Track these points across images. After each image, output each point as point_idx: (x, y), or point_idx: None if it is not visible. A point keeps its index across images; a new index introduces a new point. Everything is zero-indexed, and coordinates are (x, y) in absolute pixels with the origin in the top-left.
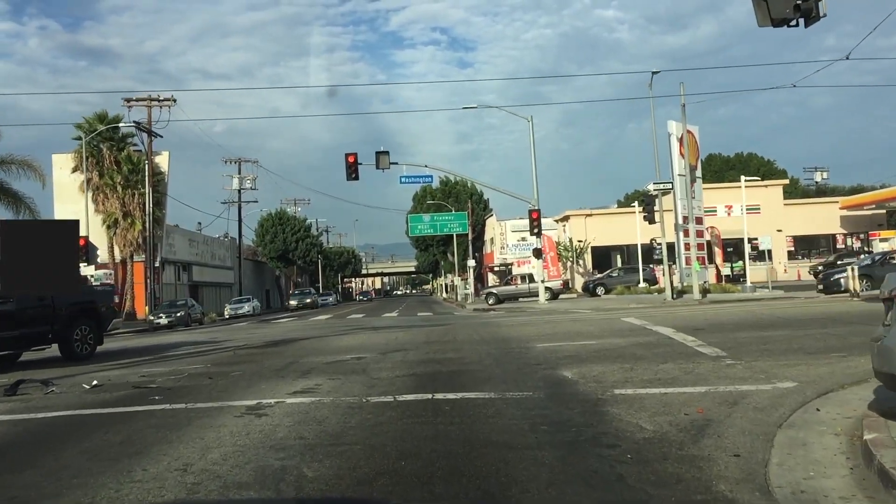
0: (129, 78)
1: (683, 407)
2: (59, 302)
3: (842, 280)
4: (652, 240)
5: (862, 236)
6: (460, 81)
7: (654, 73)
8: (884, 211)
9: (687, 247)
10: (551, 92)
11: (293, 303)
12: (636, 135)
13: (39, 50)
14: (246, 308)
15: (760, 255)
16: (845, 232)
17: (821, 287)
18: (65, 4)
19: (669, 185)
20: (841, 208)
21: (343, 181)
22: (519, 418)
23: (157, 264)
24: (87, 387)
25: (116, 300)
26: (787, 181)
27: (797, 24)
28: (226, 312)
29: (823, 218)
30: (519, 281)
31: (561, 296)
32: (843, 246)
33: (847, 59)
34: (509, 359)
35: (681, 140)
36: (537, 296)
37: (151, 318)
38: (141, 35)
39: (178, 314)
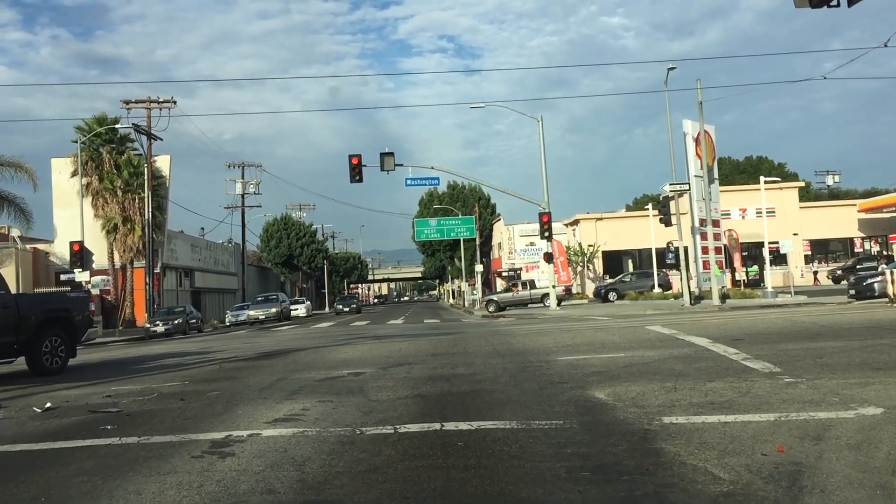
0: (140, 87)
1: (756, 443)
2: (25, 309)
3: (875, 285)
4: (668, 243)
5: (880, 239)
6: (469, 74)
7: (670, 68)
8: None
9: (705, 250)
10: (558, 98)
11: (252, 313)
12: (643, 141)
13: (51, 59)
14: (270, 310)
15: (778, 260)
16: (863, 235)
17: (852, 292)
18: (77, 14)
19: (686, 186)
20: (859, 211)
21: (350, 187)
22: (551, 459)
23: (157, 270)
24: (39, 410)
25: (93, 307)
26: (803, 183)
27: (838, 5)
28: (227, 319)
29: (840, 221)
30: (519, 288)
31: (563, 302)
32: (861, 249)
33: (885, 46)
34: (528, 375)
35: (697, 140)
36: (538, 302)
37: (148, 325)
38: (152, 44)
39: (176, 322)
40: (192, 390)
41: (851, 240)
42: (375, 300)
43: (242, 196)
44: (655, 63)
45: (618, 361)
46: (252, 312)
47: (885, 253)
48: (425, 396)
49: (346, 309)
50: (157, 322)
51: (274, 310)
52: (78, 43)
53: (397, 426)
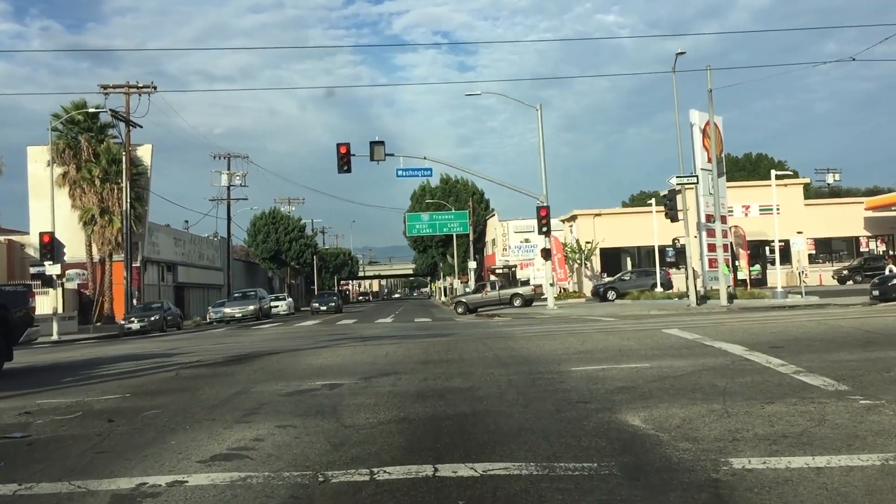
0: (132, 79)
1: (872, 502)
2: None
3: None
4: (674, 240)
5: (886, 239)
6: (463, 71)
7: (678, 53)
8: None
9: (711, 248)
10: (552, 96)
11: (228, 311)
12: (637, 140)
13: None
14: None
15: (784, 258)
16: (869, 234)
17: (876, 293)
18: (68, 6)
19: (695, 179)
20: (866, 209)
21: (342, 183)
22: None
23: (137, 264)
24: None
25: (33, 304)
26: (808, 180)
27: None
28: (208, 316)
29: (845, 219)
30: (489, 289)
31: (535, 302)
32: (867, 249)
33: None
34: (540, 391)
35: (704, 131)
36: (506, 304)
37: (122, 322)
38: (144, 37)
39: (153, 318)
40: (129, 407)
41: (857, 239)
42: (360, 297)
43: (228, 188)
44: (650, 62)
45: (644, 374)
46: (228, 310)
47: (891, 252)
48: (414, 421)
49: (324, 308)
50: (133, 319)
51: (252, 307)
52: (69, 35)
53: (375, 470)
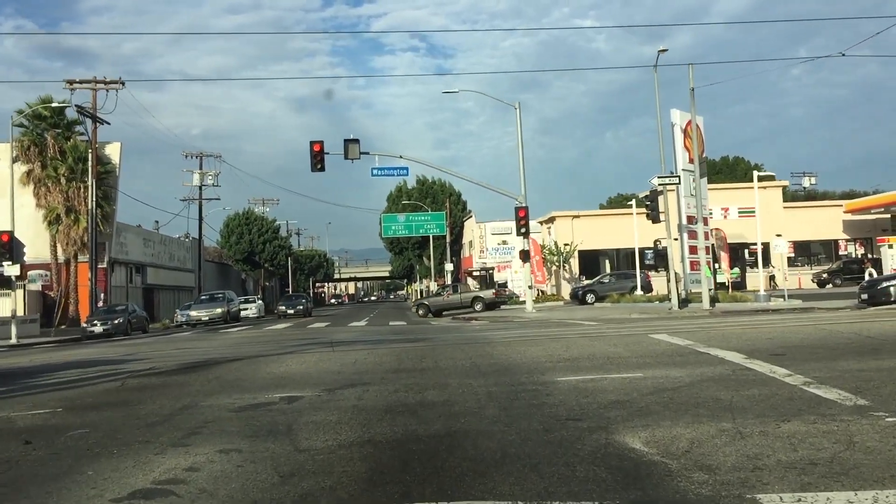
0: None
1: None
2: None
3: (891, 289)
4: (656, 241)
5: (865, 242)
6: (441, 75)
7: (661, 50)
8: (888, 216)
9: (693, 250)
10: (529, 100)
11: (194, 314)
12: (613, 143)
13: (14, 50)
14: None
15: (764, 261)
16: (847, 237)
17: (864, 297)
18: (43, 5)
19: (676, 179)
20: (845, 212)
21: (318, 185)
22: None
23: (103, 265)
24: None
25: None
26: (786, 183)
27: None
28: (176, 319)
29: (824, 222)
30: (450, 292)
31: (499, 306)
32: (846, 252)
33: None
34: (524, 406)
35: (685, 131)
36: (467, 307)
37: (85, 325)
38: (120, 36)
39: (117, 321)
40: (55, 424)
41: (836, 242)
42: (332, 300)
43: (200, 188)
44: (627, 67)
45: (639, 385)
46: (194, 313)
47: (870, 256)
48: (380, 444)
49: (292, 311)
50: (95, 322)
51: (219, 310)
52: (43, 34)
53: None
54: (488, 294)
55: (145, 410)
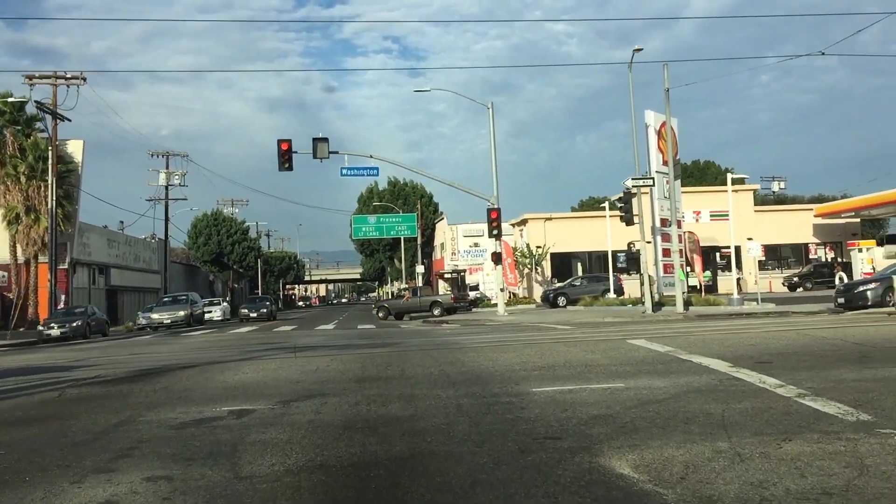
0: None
1: None
2: None
3: (868, 293)
4: (629, 244)
5: (835, 246)
6: (414, 75)
7: (636, 49)
8: (858, 220)
9: (666, 253)
10: (502, 103)
11: (156, 316)
12: (584, 147)
13: None
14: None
15: (732, 264)
16: (818, 241)
17: (841, 300)
18: (9, 2)
19: (650, 181)
20: (816, 216)
21: (290, 186)
22: None
23: (65, 265)
24: None
25: None
26: (757, 186)
27: None
28: (138, 321)
29: (794, 226)
30: (410, 295)
31: (456, 313)
32: (816, 256)
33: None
34: (498, 422)
35: (660, 132)
36: (426, 311)
37: (42, 328)
38: (88, 35)
39: (75, 324)
40: None
41: (806, 246)
42: (301, 303)
43: (166, 188)
44: (598, 71)
45: (621, 397)
46: (156, 315)
47: (840, 260)
48: (333, 469)
49: (255, 314)
50: (52, 324)
51: (182, 313)
52: (8, 31)
53: None
54: (447, 298)
55: (77, 427)
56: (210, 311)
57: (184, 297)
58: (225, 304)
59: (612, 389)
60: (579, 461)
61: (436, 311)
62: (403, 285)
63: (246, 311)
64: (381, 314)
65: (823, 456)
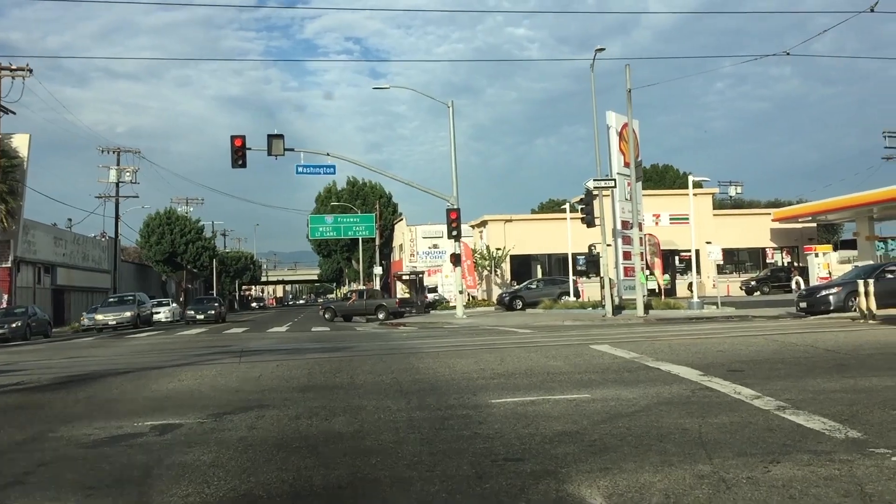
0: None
1: None
2: None
3: (831, 297)
4: (590, 246)
5: (792, 250)
6: (375, 77)
7: (597, 49)
8: (815, 225)
9: (627, 255)
10: (462, 105)
11: (100, 317)
12: (544, 150)
13: None
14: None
15: (693, 268)
16: (775, 246)
17: (803, 305)
18: None
19: (612, 182)
20: (773, 220)
21: (248, 185)
22: None
23: (7, 264)
24: None
25: None
26: (716, 190)
27: None
28: (82, 322)
29: (752, 230)
30: (355, 297)
31: (400, 317)
32: (773, 260)
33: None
34: (451, 438)
35: (621, 134)
36: (371, 314)
37: None
38: (44, 30)
39: (14, 325)
40: None
41: (763, 250)
42: (254, 304)
43: (117, 184)
44: (558, 76)
45: (588, 410)
46: (100, 316)
47: (796, 264)
48: (259, 501)
49: (201, 316)
50: None
51: (128, 313)
52: None
53: None
54: (391, 302)
55: None
56: (159, 312)
57: (130, 298)
58: (174, 305)
59: (578, 401)
60: (545, 489)
61: (380, 315)
62: (361, 286)
63: (192, 312)
64: (327, 315)
65: (818, 482)
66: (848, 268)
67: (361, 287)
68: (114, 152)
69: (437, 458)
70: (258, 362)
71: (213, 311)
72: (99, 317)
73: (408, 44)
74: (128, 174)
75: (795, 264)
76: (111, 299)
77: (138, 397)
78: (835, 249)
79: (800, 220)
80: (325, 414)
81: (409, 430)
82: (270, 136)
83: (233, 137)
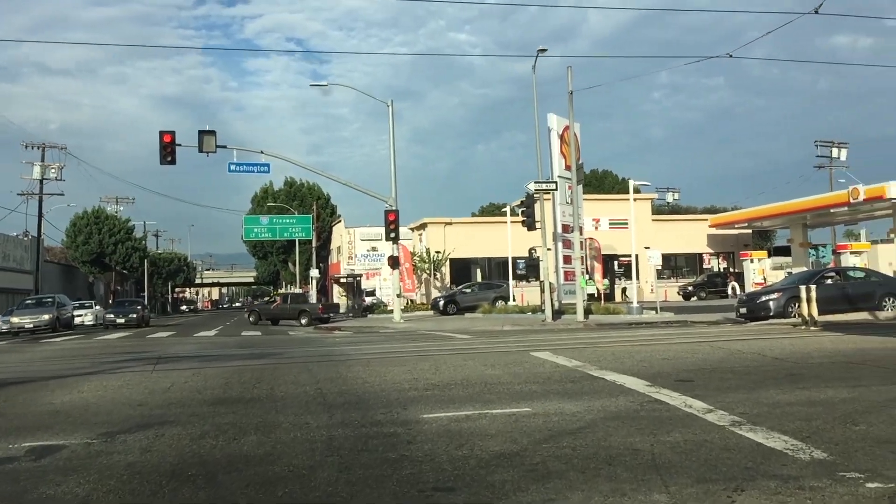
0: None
1: None
2: None
3: (771, 303)
4: (531, 249)
5: (728, 256)
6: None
7: (539, 50)
8: (750, 231)
9: (567, 259)
10: (403, 109)
11: (16, 320)
12: (485, 156)
13: None
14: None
15: (627, 274)
16: (711, 251)
17: (744, 310)
18: None
19: (553, 185)
20: (710, 226)
21: (184, 187)
22: None
23: None
24: None
25: None
26: (655, 195)
27: None
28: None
29: (690, 236)
30: (280, 302)
31: (329, 321)
32: (709, 265)
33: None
34: (374, 462)
35: (562, 137)
36: (295, 319)
37: None
38: None
39: None
40: None
41: (700, 255)
42: (184, 307)
43: (41, 181)
44: (499, 82)
45: (528, 426)
46: (16, 319)
47: (732, 270)
48: None
49: (122, 320)
50: None
51: (46, 316)
52: None
53: None
54: (314, 308)
55: None
56: (80, 315)
57: (49, 300)
58: (98, 307)
59: (518, 416)
60: None
61: (303, 321)
62: (310, 289)
63: (112, 316)
64: (252, 318)
65: None
66: (782, 274)
67: (287, 291)
68: (38, 148)
69: (356, 489)
70: (173, 370)
71: (134, 315)
72: (14, 319)
73: (350, 46)
74: (53, 171)
75: (731, 270)
76: (28, 301)
77: (27, 412)
78: (769, 256)
79: (736, 226)
80: (233, 432)
81: (327, 452)
82: (202, 133)
83: (161, 133)
